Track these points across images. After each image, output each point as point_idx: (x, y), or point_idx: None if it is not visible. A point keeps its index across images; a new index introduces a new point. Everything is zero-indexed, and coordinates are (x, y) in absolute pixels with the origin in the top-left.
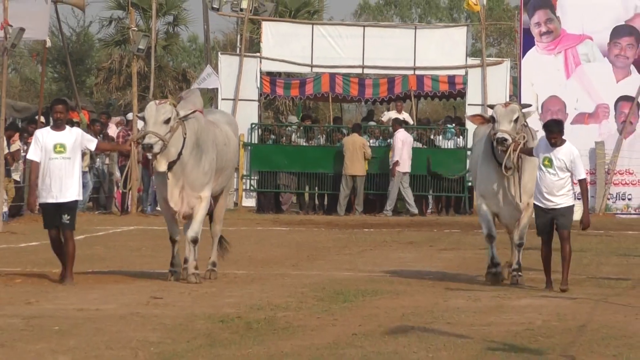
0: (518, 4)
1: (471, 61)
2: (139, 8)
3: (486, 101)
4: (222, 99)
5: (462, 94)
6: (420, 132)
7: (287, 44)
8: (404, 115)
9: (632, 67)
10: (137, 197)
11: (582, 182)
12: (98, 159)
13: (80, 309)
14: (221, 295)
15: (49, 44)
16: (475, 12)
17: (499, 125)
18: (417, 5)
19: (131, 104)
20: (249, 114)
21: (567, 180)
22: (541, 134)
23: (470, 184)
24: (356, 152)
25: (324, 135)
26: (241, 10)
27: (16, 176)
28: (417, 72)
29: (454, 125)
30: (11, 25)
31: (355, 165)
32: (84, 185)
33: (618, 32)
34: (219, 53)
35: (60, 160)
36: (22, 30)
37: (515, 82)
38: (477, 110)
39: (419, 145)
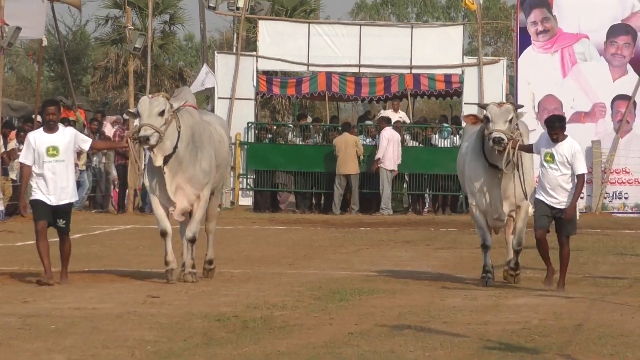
0: (514, 2)
1: (468, 60)
2: (135, 7)
3: (482, 100)
4: (219, 98)
5: (458, 93)
6: (417, 131)
7: (283, 43)
8: (401, 114)
9: (629, 66)
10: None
11: (579, 177)
12: (95, 158)
13: (76, 307)
14: (217, 294)
15: (45, 42)
16: (472, 10)
17: (494, 125)
18: (414, 4)
19: (127, 103)
20: (245, 113)
21: (572, 178)
22: (538, 132)
23: None
24: (349, 151)
25: (320, 134)
26: (237, 9)
27: (13, 175)
28: (414, 71)
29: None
30: (7, 24)
31: (348, 164)
32: (81, 184)
33: (614, 31)
34: (216, 52)
35: (54, 163)
36: (18, 29)
37: (512, 81)
38: (474, 109)
39: (415, 144)
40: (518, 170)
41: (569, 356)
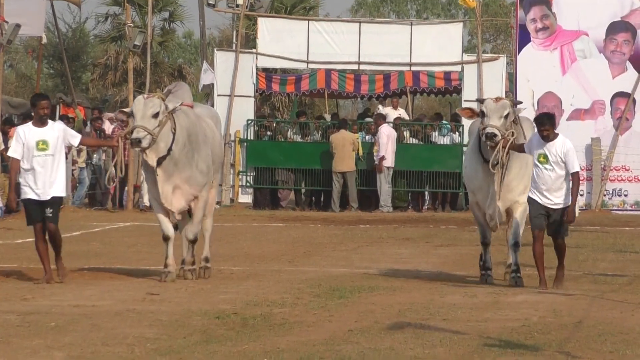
0: (514, 0)
1: (467, 57)
2: (134, 4)
3: (482, 97)
4: (218, 95)
5: (458, 90)
6: (417, 128)
7: (282, 40)
8: (400, 111)
9: (628, 63)
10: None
11: (574, 175)
12: (95, 155)
13: (76, 305)
14: (217, 292)
15: (44, 40)
16: (471, 8)
17: (488, 120)
18: (414, 2)
19: (127, 100)
20: (244, 110)
21: (566, 178)
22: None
23: None
24: (345, 148)
25: (319, 132)
26: (237, 6)
27: None
28: (413, 68)
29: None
30: (7, 22)
31: (345, 161)
32: (81, 181)
33: (614, 28)
34: (215, 49)
35: (43, 157)
36: (17, 26)
37: (511, 78)
38: (473, 107)
39: (415, 141)
40: (501, 169)
41: (568, 353)
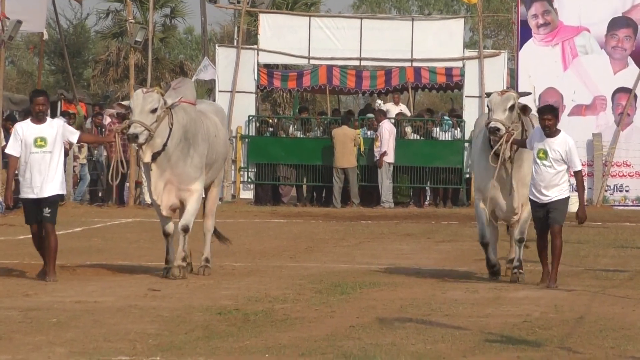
0: None
1: (468, 53)
2: (136, 0)
3: (483, 93)
4: (220, 91)
5: (459, 86)
6: (418, 124)
7: (284, 36)
8: (401, 107)
9: (630, 59)
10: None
11: (577, 174)
12: (96, 152)
13: (78, 301)
14: (219, 288)
15: (46, 36)
16: (472, 3)
17: (492, 113)
18: None
19: (128, 96)
20: (246, 106)
21: (564, 174)
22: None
23: (467, 175)
24: (346, 144)
25: (321, 128)
26: (238, 2)
27: None
28: (415, 64)
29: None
30: (8, 18)
31: (346, 157)
32: (82, 178)
33: (615, 24)
34: (216, 45)
35: (41, 154)
36: (19, 22)
37: (513, 74)
38: (475, 103)
39: (417, 137)
40: (511, 163)
41: (569, 349)
